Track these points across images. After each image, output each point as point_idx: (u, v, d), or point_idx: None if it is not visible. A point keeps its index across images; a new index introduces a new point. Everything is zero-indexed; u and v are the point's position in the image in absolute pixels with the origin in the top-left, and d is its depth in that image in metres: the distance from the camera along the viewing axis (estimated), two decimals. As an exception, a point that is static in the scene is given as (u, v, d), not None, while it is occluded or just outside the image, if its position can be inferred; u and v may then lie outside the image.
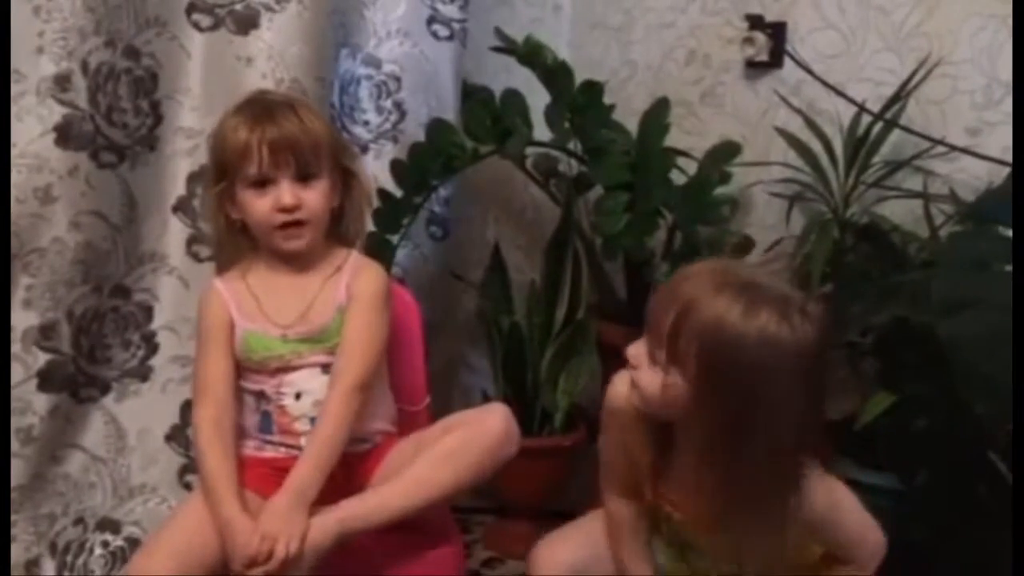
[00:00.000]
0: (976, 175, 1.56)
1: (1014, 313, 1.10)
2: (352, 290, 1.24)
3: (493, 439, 1.18)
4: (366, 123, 1.74)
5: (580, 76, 1.70)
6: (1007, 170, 1.45)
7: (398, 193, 1.69)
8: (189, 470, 1.52)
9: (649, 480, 1.05)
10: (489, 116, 1.71)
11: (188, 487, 1.52)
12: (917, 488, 1.42)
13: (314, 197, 1.22)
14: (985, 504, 1.37)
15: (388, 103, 1.74)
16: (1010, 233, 1.25)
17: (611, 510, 1.15)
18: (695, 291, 0.88)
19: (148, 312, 1.55)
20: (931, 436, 1.37)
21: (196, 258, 1.56)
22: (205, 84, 1.54)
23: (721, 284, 0.87)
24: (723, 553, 1.03)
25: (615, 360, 1.78)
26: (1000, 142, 1.58)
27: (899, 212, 1.60)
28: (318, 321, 1.23)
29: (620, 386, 1.06)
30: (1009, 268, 1.25)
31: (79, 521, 1.50)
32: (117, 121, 1.49)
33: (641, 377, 0.95)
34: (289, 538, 1.10)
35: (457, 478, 1.17)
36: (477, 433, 1.18)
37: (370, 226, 1.57)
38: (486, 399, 1.86)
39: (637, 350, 0.96)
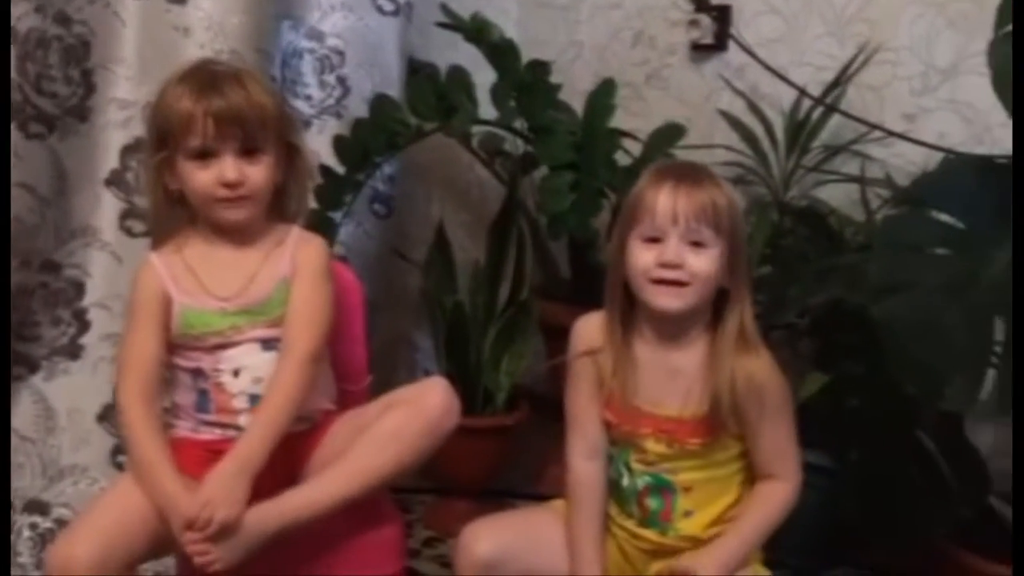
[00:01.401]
0: (911, 160, 1.60)
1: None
2: (296, 262, 1.22)
3: (434, 417, 1.17)
4: (308, 98, 1.71)
5: (527, 55, 1.69)
6: (941, 155, 1.48)
7: (340, 170, 1.67)
8: (121, 450, 1.49)
9: (622, 389, 1.15)
10: (434, 93, 1.69)
11: (121, 468, 1.49)
12: (850, 466, 1.45)
13: (258, 173, 1.19)
14: (914, 481, 1.41)
15: (331, 78, 1.71)
16: (943, 217, 1.28)
17: (575, 473, 1.19)
18: (709, 182, 1.13)
19: (79, 288, 1.52)
20: (863, 415, 1.40)
21: (130, 233, 1.52)
22: (140, 54, 1.49)
23: (706, 173, 1.15)
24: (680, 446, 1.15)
25: (558, 340, 1.80)
26: (935, 128, 1.61)
27: (837, 196, 1.63)
28: (259, 292, 1.21)
29: (585, 328, 1.21)
30: (941, 251, 1.28)
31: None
32: (47, 90, 1.44)
33: (694, 263, 1.10)
34: (230, 504, 1.08)
35: (399, 460, 1.16)
36: (417, 412, 1.17)
37: (312, 203, 1.55)
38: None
39: (675, 251, 1.10)
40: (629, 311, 1.16)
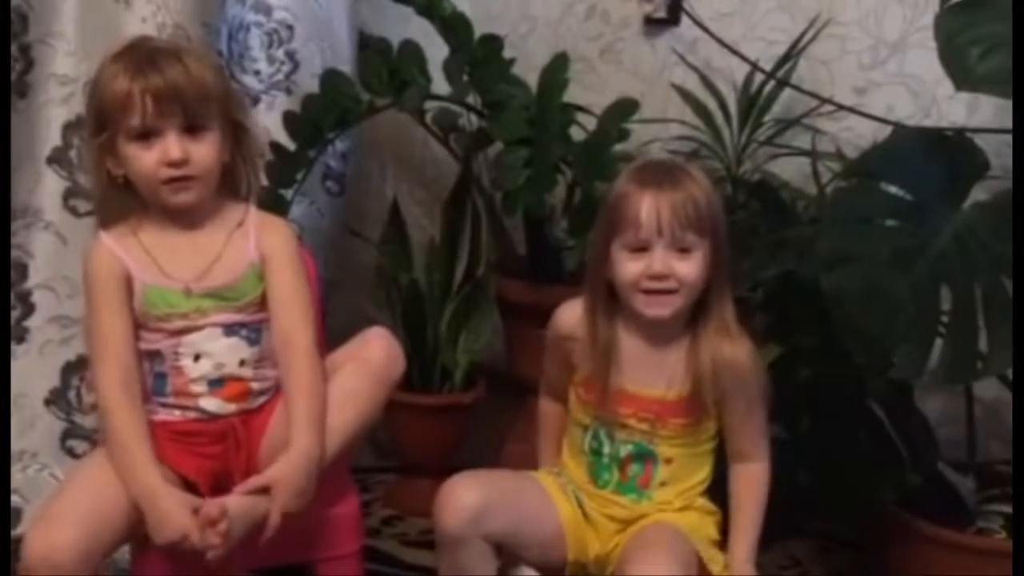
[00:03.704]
0: (861, 134, 1.61)
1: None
2: (265, 248, 1.21)
3: (381, 370, 1.23)
4: (257, 73, 1.67)
5: (479, 30, 1.68)
6: (890, 128, 1.50)
7: (291, 146, 1.64)
8: (71, 435, 1.46)
9: (603, 383, 1.18)
10: (386, 68, 1.67)
11: (71, 453, 1.46)
12: (802, 436, 1.47)
13: (203, 150, 1.16)
14: (865, 449, 1.43)
15: (280, 52, 1.68)
16: (891, 189, 1.30)
17: (543, 410, 1.31)
18: (687, 181, 1.13)
19: (22, 270, 1.47)
20: (815, 386, 1.42)
21: (74, 212, 1.48)
22: (80, 28, 1.45)
23: (683, 171, 1.15)
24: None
25: (515, 317, 1.80)
26: (884, 101, 1.63)
27: (789, 169, 1.65)
28: (226, 277, 1.19)
29: (566, 315, 1.22)
30: (889, 223, 1.30)
31: (-49, 490, 1.43)
32: (-18, 66, 1.40)
33: (680, 268, 1.12)
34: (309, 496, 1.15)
35: (360, 415, 1.21)
36: (365, 369, 1.22)
37: (263, 180, 1.52)
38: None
39: (663, 262, 1.11)
40: (613, 301, 1.18)
